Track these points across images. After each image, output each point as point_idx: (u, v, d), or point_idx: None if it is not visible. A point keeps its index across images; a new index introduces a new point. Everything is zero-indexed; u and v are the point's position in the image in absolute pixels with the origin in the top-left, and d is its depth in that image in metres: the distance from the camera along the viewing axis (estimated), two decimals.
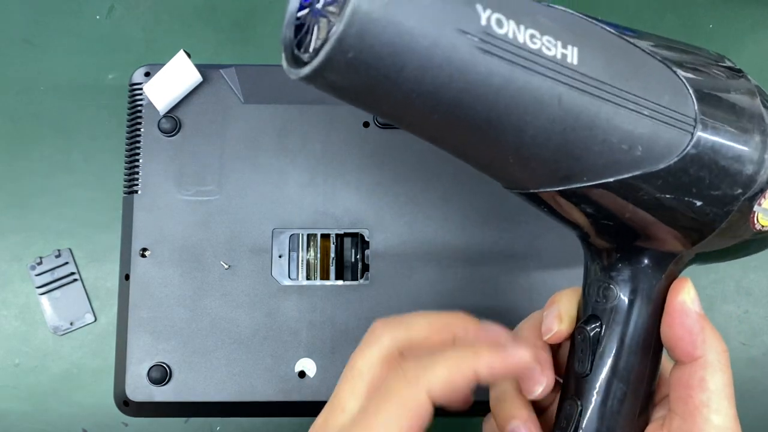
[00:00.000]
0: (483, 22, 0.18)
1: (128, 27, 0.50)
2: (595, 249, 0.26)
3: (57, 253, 0.46)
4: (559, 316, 0.27)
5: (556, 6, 0.21)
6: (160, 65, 0.41)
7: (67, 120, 0.49)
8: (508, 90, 0.19)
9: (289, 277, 0.40)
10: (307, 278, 0.40)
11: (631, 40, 0.22)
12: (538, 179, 0.22)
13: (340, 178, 0.40)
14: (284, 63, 0.20)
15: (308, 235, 0.40)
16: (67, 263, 0.46)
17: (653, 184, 0.22)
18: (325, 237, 0.40)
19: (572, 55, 0.20)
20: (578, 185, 0.22)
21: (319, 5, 0.19)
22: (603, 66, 0.20)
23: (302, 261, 0.40)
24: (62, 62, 0.50)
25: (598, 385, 0.25)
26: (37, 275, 0.45)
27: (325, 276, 0.40)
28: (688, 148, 0.21)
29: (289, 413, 0.39)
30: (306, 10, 0.20)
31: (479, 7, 0.18)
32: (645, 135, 0.21)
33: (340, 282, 0.40)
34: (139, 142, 0.41)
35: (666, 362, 0.27)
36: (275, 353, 0.38)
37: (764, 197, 0.23)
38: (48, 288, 0.45)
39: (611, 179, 0.21)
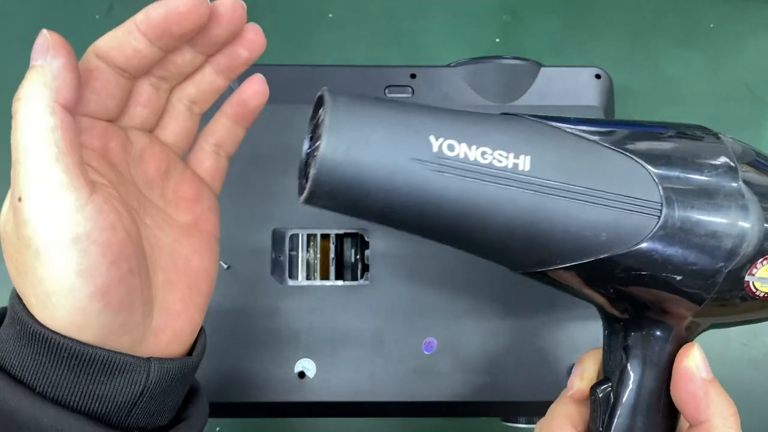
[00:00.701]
0: (435, 149, 0.22)
1: None
2: (605, 315, 0.28)
3: None
4: (581, 374, 0.29)
5: (524, 117, 0.24)
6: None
7: None
8: (466, 198, 0.22)
9: (289, 277, 0.40)
10: (307, 278, 0.40)
11: (592, 137, 0.24)
12: (518, 264, 0.25)
13: None
14: (297, 189, 0.24)
15: (308, 235, 0.40)
16: None
17: (625, 263, 0.23)
18: (325, 237, 0.40)
19: (524, 162, 0.22)
20: (554, 267, 0.24)
21: (310, 147, 0.24)
22: (556, 167, 0.23)
23: (302, 261, 0.40)
24: None
25: None
26: None
27: (325, 276, 0.40)
28: (656, 230, 0.23)
29: (289, 413, 0.39)
30: (309, 149, 0.24)
31: (432, 138, 0.22)
32: (607, 222, 0.23)
33: (340, 282, 0.40)
34: None
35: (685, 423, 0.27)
36: (275, 353, 0.38)
37: (756, 267, 0.24)
38: None
39: (582, 262, 0.23)
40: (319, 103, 0.24)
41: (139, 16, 0.25)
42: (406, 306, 0.39)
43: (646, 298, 0.25)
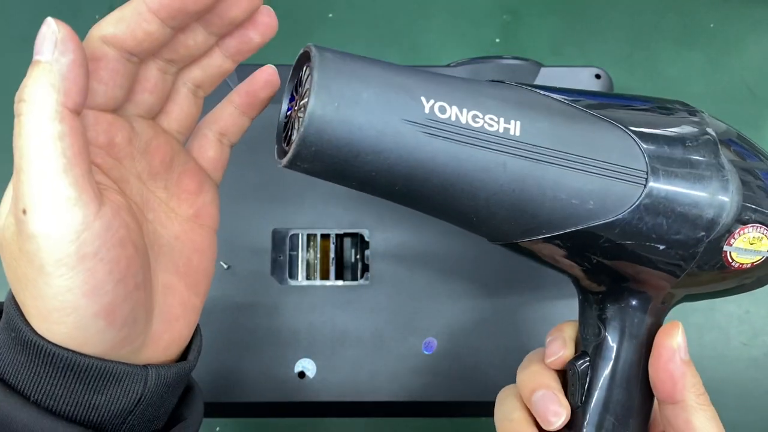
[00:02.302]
0: (426, 110, 0.21)
1: None
2: (582, 289, 0.28)
3: None
4: (563, 341, 0.28)
5: (512, 84, 0.24)
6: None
7: None
8: (457, 162, 0.22)
9: (289, 277, 0.40)
10: (307, 278, 0.40)
11: (582, 107, 0.24)
12: (503, 233, 0.24)
13: None
14: (275, 154, 0.23)
15: (308, 235, 0.40)
16: None
17: (611, 232, 0.23)
18: (325, 237, 0.40)
19: (515, 127, 0.22)
20: (540, 237, 0.24)
21: (294, 109, 0.23)
22: (546, 133, 0.22)
23: (302, 261, 0.40)
24: None
25: (588, 417, 0.26)
26: None
27: (325, 276, 0.40)
28: (641, 198, 0.23)
29: (289, 413, 0.39)
30: (290, 111, 0.24)
31: (423, 99, 0.21)
32: (595, 190, 0.23)
33: (340, 282, 0.40)
34: None
35: None
36: (275, 353, 0.38)
37: (734, 237, 0.24)
38: None
39: (568, 230, 0.23)
40: (302, 60, 0.23)
41: None
42: (406, 306, 0.39)
43: (627, 269, 0.25)
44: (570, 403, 0.27)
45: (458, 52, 0.51)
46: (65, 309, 0.21)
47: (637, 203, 0.23)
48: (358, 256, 0.41)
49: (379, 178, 0.22)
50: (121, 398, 0.23)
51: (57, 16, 0.54)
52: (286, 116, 0.24)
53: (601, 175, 0.23)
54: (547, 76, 0.42)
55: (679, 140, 0.24)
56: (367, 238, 0.40)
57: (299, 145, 0.21)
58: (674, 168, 0.23)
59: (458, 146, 0.22)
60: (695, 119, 0.25)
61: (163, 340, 0.25)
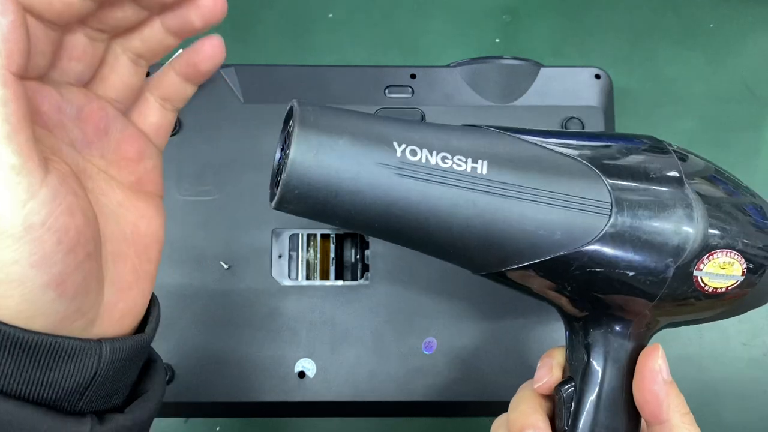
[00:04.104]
0: (398, 154, 0.24)
1: None
2: (565, 315, 0.29)
3: None
4: (549, 368, 0.30)
5: (483, 128, 0.26)
6: (160, 65, 0.41)
7: None
8: (429, 200, 0.24)
9: (289, 277, 0.40)
10: (307, 278, 0.40)
11: (548, 145, 0.26)
12: (480, 265, 0.26)
13: None
14: (269, 197, 0.25)
15: (308, 235, 0.40)
16: None
17: (580, 261, 0.25)
18: (325, 237, 0.40)
19: (482, 166, 0.24)
20: (513, 267, 0.25)
21: (283, 157, 0.25)
22: (511, 170, 0.24)
23: (302, 261, 0.40)
24: None
25: None
26: None
27: (324, 276, 0.40)
28: (606, 228, 0.24)
29: (289, 413, 0.39)
30: (280, 159, 0.26)
31: (395, 144, 0.24)
32: (561, 221, 0.24)
33: (340, 282, 0.40)
34: None
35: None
36: (275, 353, 0.38)
37: (703, 263, 0.25)
38: None
39: (538, 260, 0.25)
40: (290, 115, 0.25)
41: None
42: (406, 306, 0.39)
43: (602, 295, 0.26)
44: (557, 428, 0.28)
45: (458, 52, 0.51)
46: (11, 282, 0.20)
47: (602, 233, 0.24)
48: (358, 256, 0.41)
49: (358, 216, 0.24)
50: (75, 374, 0.22)
51: None
52: (278, 163, 0.26)
53: (567, 207, 0.24)
54: (547, 76, 0.42)
55: (643, 173, 0.26)
56: (367, 239, 0.40)
57: (283, 189, 0.23)
58: (638, 198, 0.25)
59: (429, 185, 0.24)
60: (661, 153, 0.27)
61: (117, 310, 0.24)
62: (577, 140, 0.27)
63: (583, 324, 0.28)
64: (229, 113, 0.41)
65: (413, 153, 0.24)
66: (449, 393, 0.38)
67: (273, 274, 0.39)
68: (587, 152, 0.26)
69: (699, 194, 0.26)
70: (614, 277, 0.25)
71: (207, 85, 0.41)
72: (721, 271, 0.26)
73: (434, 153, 0.24)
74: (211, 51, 0.26)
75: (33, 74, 0.22)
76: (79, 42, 0.23)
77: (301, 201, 0.24)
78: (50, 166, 0.21)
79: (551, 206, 0.24)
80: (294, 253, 0.40)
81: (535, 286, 0.27)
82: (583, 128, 0.41)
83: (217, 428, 0.45)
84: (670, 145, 0.27)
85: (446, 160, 0.24)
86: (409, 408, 0.39)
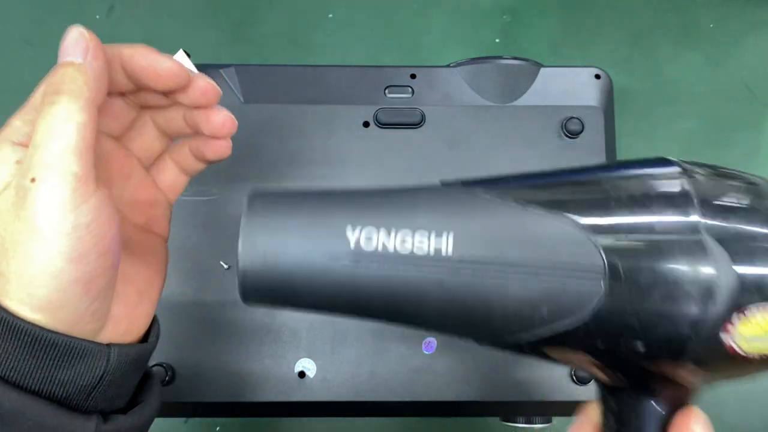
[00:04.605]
0: (351, 245, 0.21)
1: (128, 27, 0.50)
2: (593, 377, 0.26)
3: None
4: (585, 428, 0.27)
5: (450, 188, 0.23)
6: None
7: None
8: (392, 289, 0.22)
9: None
10: None
11: (525, 199, 0.22)
12: (476, 339, 0.23)
13: (340, 178, 0.40)
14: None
15: None
16: None
17: (576, 336, 0.21)
18: None
19: (446, 243, 0.21)
20: (507, 342, 0.22)
21: None
22: (480, 243, 0.21)
23: None
24: None
25: None
26: None
27: None
28: (601, 298, 0.20)
29: (289, 413, 0.39)
30: None
31: (348, 229, 0.22)
32: (545, 296, 0.21)
33: None
34: None
35: None
36: (275, 353, 0.38)
37: (731, 324, 0.20)
38: None
39: (529, 339, 0.22)
40: None
41: (126, 52, 0.27)
42: None
43: (612, 369, 0.22)
44: None
45: (458, 52, 0.51)
46: (52, 272, 0.23)
47: (596, 305, 0.20)
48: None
49: (325, 309, 0.23)
50: (85, 374, 0.25)
51: (58, 16, 0.54)
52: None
53: (549, 278, 0.21)
54: (547, 77, 0.42)
55: (644, 224, 0.21)
56: None
57: (242, 291, 0.23)
58: (640, 261, 0.20)
59: (390, 273, 0.21)
60: (669, 191, 0.21)
61: (122, 325, 0.27)
62: (561, 183, 0.22)
63: (611, 388, 0.24)
64: None
65: (368, 239, 0.21)
66: (449, 393, 0.38)
67: None
68: (570, 202, 0.21)
69: (715, 237, 0.20)
70: (621, 351, 0.21)
71: None
72: (763, 332, 0.20)
73: (392, 233, 0.21)
74: (217, 147, 0.31)
75: None
76: (116, 103, 0.29)
77: (264, 301, 0.23)
78: (99, 183, 0.25)
79: (531, 279, 0.21)
80: None
81: (540, 357, 0.23)
82: (583, 128, 0.41)
83: (217, 428, 0.45)
84: (680, 165, 0.22)
85: (406, 243, 0.21)
86: (409, 408, 0.39)
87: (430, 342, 0.38)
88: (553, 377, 0.38)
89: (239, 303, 0.39)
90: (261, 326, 0.39)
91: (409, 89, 0.42)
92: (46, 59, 0.49)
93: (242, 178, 0.40)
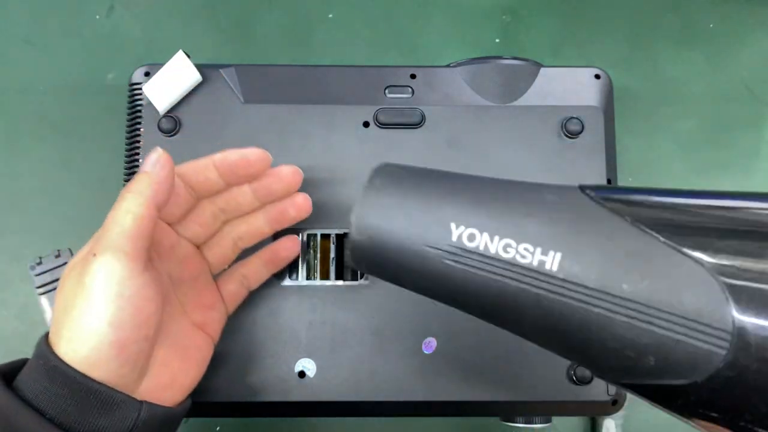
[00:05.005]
0: (453, 239, 0.21)
1: (128, 27, 0.50)
2: None
3: (57, 253, 0.46)
4: None
5: (577, 193, 0.21)
6: (159, 65, 0.41)
7: (67, 120, 0.49)
8: (489, 289, 0.21)
9: (289, 277, 0.40)
10: (307, 278, 0.40)
11: (655, 230, 0.19)
12: (582, 365, 0.21)
13: (340, 178, 0.40)
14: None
15: (308, 235, 0.40)
16: (66, 263, 0.46)
17: (683, 398, 0.18)
18: (325, 237, 0.40)
19: (552, 261, 0.20)
20: (610, 380, 0.20)
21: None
22: (591, 270, 0.19)
23: (302, 261, 0.40)
24: (62, 62, 0.50)
25: None
26: (36, 275, 0.45)
27: (325, 276, 0.40)
28: (722, 365, 0.17)
29: (289, 413, 0.39)
30: None
31: (453, 225, 0.21)
32: (655, 345, 0.18)
33: (340, 282, 0.40)
34: (139, 142, 0.41)
35: None
36: (275, 353, 0.38)
37: None
38: (48, 288, 0.45)
39: (632, 382, 0.19)
40: None
41: (218, 156, 0.33)
42: (406, 306, 0.39)
43: None
44: None
45: (458, 53, 0.51)
46: (93, 331, 0.27)
47: (714, 371, 0.17)
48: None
49: (425, 293, 0.23)
50: (118, 423, 0.28)
51: (58, 16, 0.53)
52: None
53: (665, 328, 0.18)
54: (547, 77, 0.42)
55: None
56: None
57: (353, 261, 0.24)
58: None
59: (487, 276, 0.21)
60: None
61: (150, 398, 0.30)
62: (705, 213, 0.19)
63: None
64: (229, 113, 0.41)
65: (471, 238, 0.21)
66: (449, 393, 0.38)
67: (273, 274, 0.39)
68: (709, 245, 0.18)
69: None
70: (738, 428, 0.18)
71: (207, 85, 0.41)
72: None
73: (496, 239, 0.20)
74: (289, 245, 0.38)
75: (167, 217, 0.33)
76: (205, 213, 0.35)
77: (371, 271, 0.24)
78: (150, 268, 0.30)
79: (643, 323, 0.18)
80: None
81: (654, 403, 0.20)
82: (583, 128, 0.41)
83: (218, 428, 0.45)
84: None
85: (509, 249, 0.20)
86: (409, 408, 0.39)
87: (430, 342, 0.38)
88: (553, 377, 0.38)
89: (239, 303, 0.39)
90: (261, 326, 0.39)
91: (409, 89, 0.42)
92: (46, 59, 0.50)
93: None
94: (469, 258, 0.21)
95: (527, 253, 0.20)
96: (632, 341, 0.18)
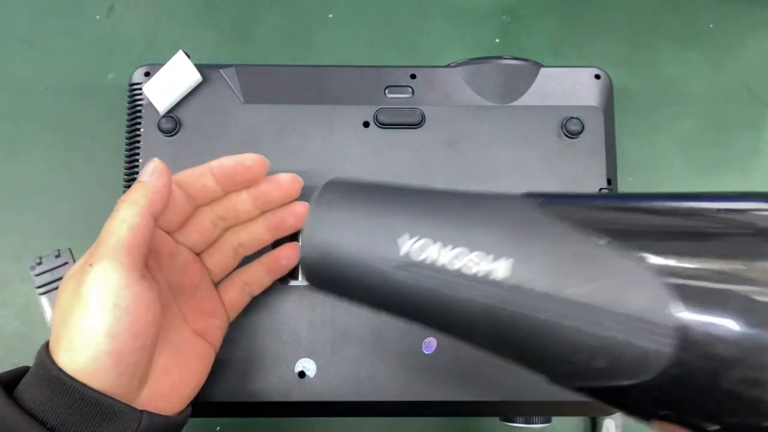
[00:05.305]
0: (402, 251, 0.21)
1: (128, 27, 0.50)
2: None
3: (57, 253, 0.46)
4: None
5: (527, 203, 0.21)
6: (159, 65, 0.41)
7: (67, 120, 0.49)
8: (440, 301, 0.21)
9: (289, 276, 0.40)
10: None
11: (603, 237, 0.19)
12: (532, 371, 0.22)
13: None
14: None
15: None
16: (66, 263, 0.46)
17: (635, 397, 0.18)
18: None
19: (503, 268, 0.20)
20: (566, 385, 0.20)
21: None
22: (540, 275, 0.19)
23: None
24: (62, 62, 0.50)
25: None
26: (36, 275, 0.46)
27: None
28: (668, 363, 0.17)
29: (289, 413, 0.39)
30: None
31: (405, 236, 0.21)
32: (604, 348, 0.18)
33: None
34: (139, 142, 0.41)
35: None
36: (275, 353, 0.38)
37: None
38: (48, 288, 0.45)
39: (583, 386, 0.19)
40: None
41: (215, 163, 0.33)
42: None
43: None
44: None
45: (458, 53, 0.51)
46: (90, 342, 0.27)
47: (661, 370, 0.17)
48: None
49: (378, 308, 0.23)
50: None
51: (58, 16, 0.53)
52: None
53: (612, 330, 0.18)
54: (547, 77, 0.42)
55: (742, 282, 0.17)
56: None
57: (306, 278, 0.24)
58: (723, 324, 0.16)
59: (436, 287, 0.21)
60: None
61: (150, 407, 0.30)
62: (646, 214, 0.19)
63: None
64: (229, 113, 0.41)
65: (420, 249, 0.21)
66: (449, 393, 0.38)
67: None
68: (654, 246, 0.18)
69: None
70: (689, 425, 0.18)
71: (207, 86, 0.41)
72: None
73: (448, 248, 0.20)
74: (289, 252, 0.37)
75: (166, 225, 0.33)
76: (204, 221, 0.35)
77: (323, 288, 0.24)
78: (147, 278, 0.30)
79: (591, 326, 0.18)
80: None
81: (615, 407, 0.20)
82: (583, 128, 0.41)
83: (218, 428, 0.45)
84: None
85: (457, 260, 0.20)
86: (409, 408, 0.39)
87: (430, 342, 0.38)
88: None
89: None
90: (261, 326, 0.39)
91: (409, 89, 0.42)
92: (46, 59, 0.50)
93: None
94: (419, 269, 0.21)
95: (478, 260, 0.20)
96: (582, 344, 0.18)
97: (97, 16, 0.51)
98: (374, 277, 0.22)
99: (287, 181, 0.35)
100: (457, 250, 0.20)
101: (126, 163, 0.41)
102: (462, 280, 0.20)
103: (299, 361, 0.38)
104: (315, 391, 0.38)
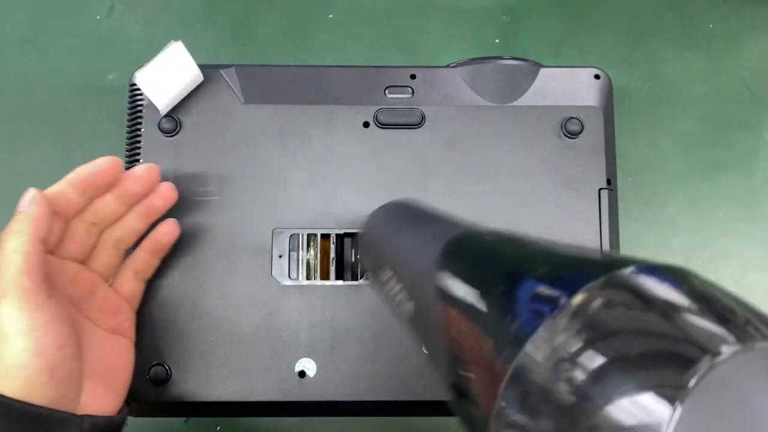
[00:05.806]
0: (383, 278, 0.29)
1: (128, 27, 0.50)
2: None
3: None
4: None
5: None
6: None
7: (67, 120, 0.49)
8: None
9: (289, 277, 0.40)
10: (307, 278, 0.40)
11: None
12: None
13: (340, 178, 0.40)
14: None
15: (308, 235, 0.40)
16: None
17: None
18: (325, 237, 0.40)
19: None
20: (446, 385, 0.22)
21: None
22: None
23: (302, 261, 0.40)
24: (62, 62, 0.50)
25: None
26: None
27: (325, 276, 0.40)
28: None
29: (289, 413, 0.39)
30: None
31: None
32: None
33: (340, 282, 0.40)
34: (139, 142, 0.41)
35: None
36: (275, 353, 0.38)
37: None
38: None
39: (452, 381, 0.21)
40: None
41: (71, 176, 0.34)
42: None
43: None
44: None
45: (458, 53, 0.51)
46: (20, 365, 0.29)
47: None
48: (358, 256, 0.41)
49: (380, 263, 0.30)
50: None
51: (58, 16, 0.53)
52: None
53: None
54: (547, 77, 0.42)
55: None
56: None
57: (360, 241, 0.33)
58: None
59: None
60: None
61: (91, 410, 0.32)
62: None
63: None
64: (229, 113, 0.41)
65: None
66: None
67: (273, 274, 0.39)
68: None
69: None
70: None
71: (207, 86, 0.41)
72: None
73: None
74: (167, 229, 0.38)
75: (47, 248, 0.33)
76: (79, 231, 0.35)
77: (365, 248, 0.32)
78: (54, 295, 0.31)
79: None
80: (294, 253, 0.40)
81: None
82: (582, 128, 0.41)
83: (218, 428, 0.45)
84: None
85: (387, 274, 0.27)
86: (409, 408, 0.39)
87: None
88: None
89: (239, 303, 0.39)
90: (261, 326, 0.39)
91: (409, 89, 0.42)
92: (46, 59, 0.50)
93: (242, 179, 0.40)
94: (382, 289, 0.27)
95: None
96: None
97: (97, 16, 0.51)
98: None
99: (143, 172, 0.36)
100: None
101: (126, 163, 0.41)
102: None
103: (299, 360, 0.38)
104: (315, 391, 0.38)
